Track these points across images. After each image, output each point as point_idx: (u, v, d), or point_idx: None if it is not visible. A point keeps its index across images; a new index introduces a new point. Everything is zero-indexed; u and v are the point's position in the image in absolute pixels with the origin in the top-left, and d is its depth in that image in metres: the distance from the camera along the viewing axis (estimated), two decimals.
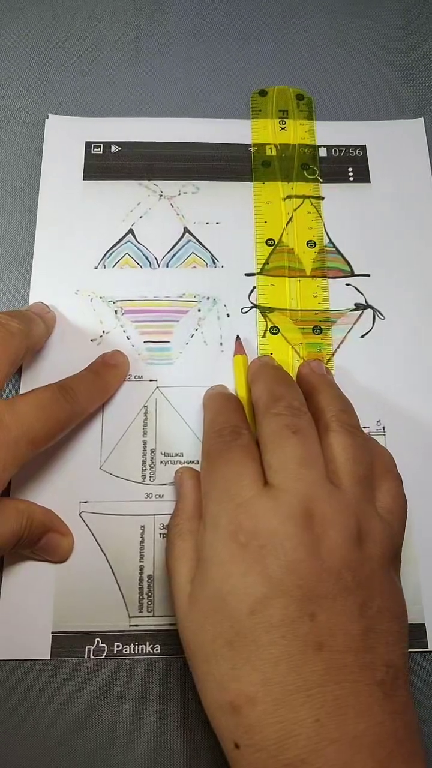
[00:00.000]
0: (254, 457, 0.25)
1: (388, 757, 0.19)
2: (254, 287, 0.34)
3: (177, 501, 0.28)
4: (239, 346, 0.32)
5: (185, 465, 0.30)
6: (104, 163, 0.36)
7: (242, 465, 0.24)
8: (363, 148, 0.37)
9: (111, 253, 0.34)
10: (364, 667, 0.21)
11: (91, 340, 0.32)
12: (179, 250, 0.34)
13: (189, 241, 0.34)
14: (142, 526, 0.29)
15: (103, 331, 0.32)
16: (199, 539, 0.24)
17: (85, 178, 0.35)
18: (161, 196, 0.35)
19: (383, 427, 0.31)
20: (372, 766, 0.19)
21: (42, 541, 0.27)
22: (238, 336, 0.32)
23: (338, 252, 0.34)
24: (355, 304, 0.33)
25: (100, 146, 0.36)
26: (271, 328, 0.33)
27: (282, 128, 0.37)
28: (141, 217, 0.35)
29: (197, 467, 0.29)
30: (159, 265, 0.34)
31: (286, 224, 0.35)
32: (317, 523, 0.22)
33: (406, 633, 0.23)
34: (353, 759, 0.19)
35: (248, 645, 0.21)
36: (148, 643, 0.27)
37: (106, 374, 0.30)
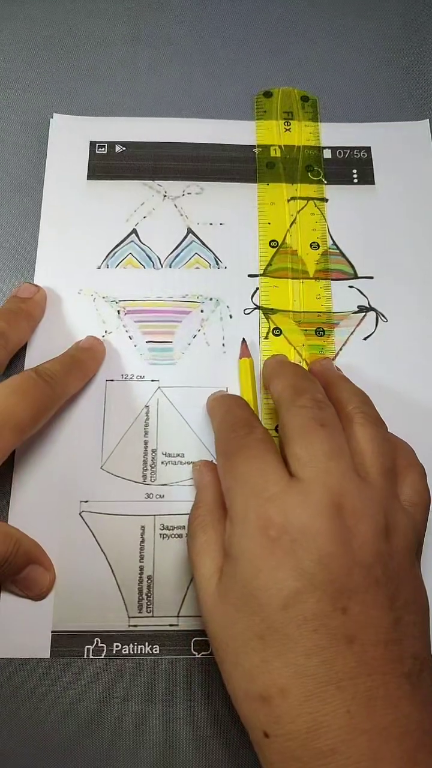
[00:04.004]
0: (274, 450, 0.25)
1: (415, 747, 0.20)
2: (257, 288, 0.33)
3: (197, 493, 0.28)
4: (245, 349, 0.32)
5: (202, 459, 0.30)
6: (108, 163, 0.36)
7: (263, 459, 0.24)
8: (368, 149, 0.37)
9: (114, 253, 0.34)
10: (393, 659, 0.21)
11: None
12: (182, 250, 0.34)
13: (192, 241, 0.34)
14: (143, 527, 0.29)
15: (106, 331, 0.32)
16: (226, 535, 0.24)
17: (89, 177, 0.35)
18: (165, 196, 0.35)
19: None
20: (400, 756, 0.19)
21: (24, 572, 0.27)
22: (243, 339, 0.32)
23: (342, 254, 0.34)
24: (358, 307, 0.33)
25: (104, 146, 0.36)
26: (273, 329, 0.33)
27: (287, 129, 0.37)
28: (145, 217, 0.35)
29: None
30: (162, 266, 0.34)
31: (290, 226, 0.35)
32: (348, 517, 0.22)
33: (428, 624, 0.23)
34: (382, 748, 0.19)
35: (280, 639, 0.21)
36: (147, 643, 0.27)
37: (82, 355, 0.30)
